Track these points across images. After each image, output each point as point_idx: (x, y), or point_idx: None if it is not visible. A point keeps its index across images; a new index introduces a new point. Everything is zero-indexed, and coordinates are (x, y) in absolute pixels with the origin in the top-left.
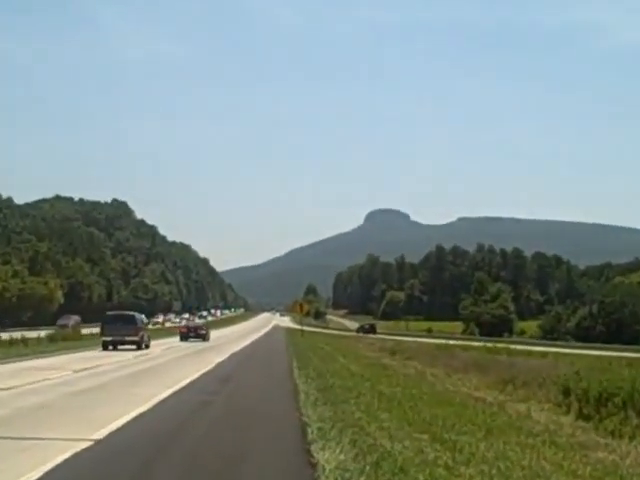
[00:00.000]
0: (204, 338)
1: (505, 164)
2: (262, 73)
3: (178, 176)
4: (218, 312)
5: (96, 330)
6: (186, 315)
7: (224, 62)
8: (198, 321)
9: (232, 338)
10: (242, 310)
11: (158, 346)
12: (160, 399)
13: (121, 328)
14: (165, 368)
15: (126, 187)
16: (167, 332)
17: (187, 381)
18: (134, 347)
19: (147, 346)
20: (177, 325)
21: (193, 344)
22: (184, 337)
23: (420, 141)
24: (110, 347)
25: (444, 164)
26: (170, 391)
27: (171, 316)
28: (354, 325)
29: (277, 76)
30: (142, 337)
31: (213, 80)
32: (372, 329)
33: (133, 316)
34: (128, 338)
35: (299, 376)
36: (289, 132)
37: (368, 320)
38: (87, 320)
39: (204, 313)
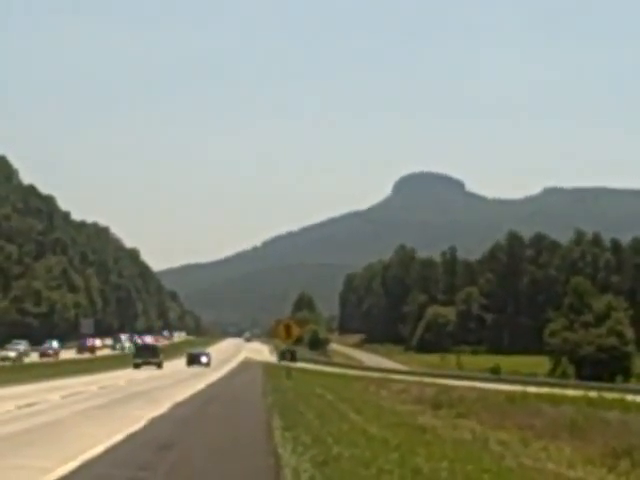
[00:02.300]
0: (207, 364)
1: (618, 106)
2: None
3: (90, 120)
4: (125, 341)
5: None
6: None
7: None
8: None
9: (166, 382)
10: (183, 334)
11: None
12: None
13: (148, 354)
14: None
15: (3, 135)
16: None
17: (101, 448)
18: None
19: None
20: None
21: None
22: (191, 362)
23: (483, 68)
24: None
25: (522, 106)
26: (74, 464)
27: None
28: (373, 360)
29: None
30: (161, 360)
31: None
32: (292, 356)
33: (156, 346)
34: (153, 360)
35: (284, 442)
36: (269, 52)
37: (396, 352)
38: None
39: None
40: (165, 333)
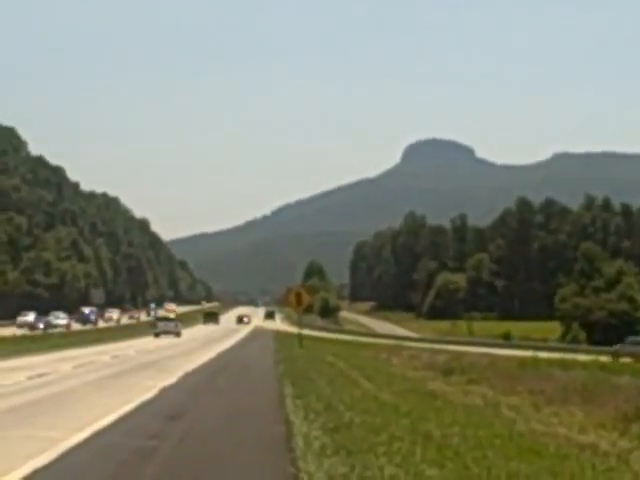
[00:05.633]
0: (248, 323)
1: (628, 71)
2: None
3: (100, 89)
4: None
5: None
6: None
7: None
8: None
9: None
10: (173, 306)
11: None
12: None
13: (212, 317)
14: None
15: (12, 106)
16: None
17: (114, 416)
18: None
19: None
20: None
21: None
22: (239, 321)
23: (493, 34)
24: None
25: (532, 72)
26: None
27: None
28: (384, 327)
29: None
30: (219, 320)
31: None
32: (272, 315)
33: (216, 312)
34: (213, 321)
35: (295, 409)
36: (276, 19)
37: (407, 319)
38: None
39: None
40: (152, 306)
